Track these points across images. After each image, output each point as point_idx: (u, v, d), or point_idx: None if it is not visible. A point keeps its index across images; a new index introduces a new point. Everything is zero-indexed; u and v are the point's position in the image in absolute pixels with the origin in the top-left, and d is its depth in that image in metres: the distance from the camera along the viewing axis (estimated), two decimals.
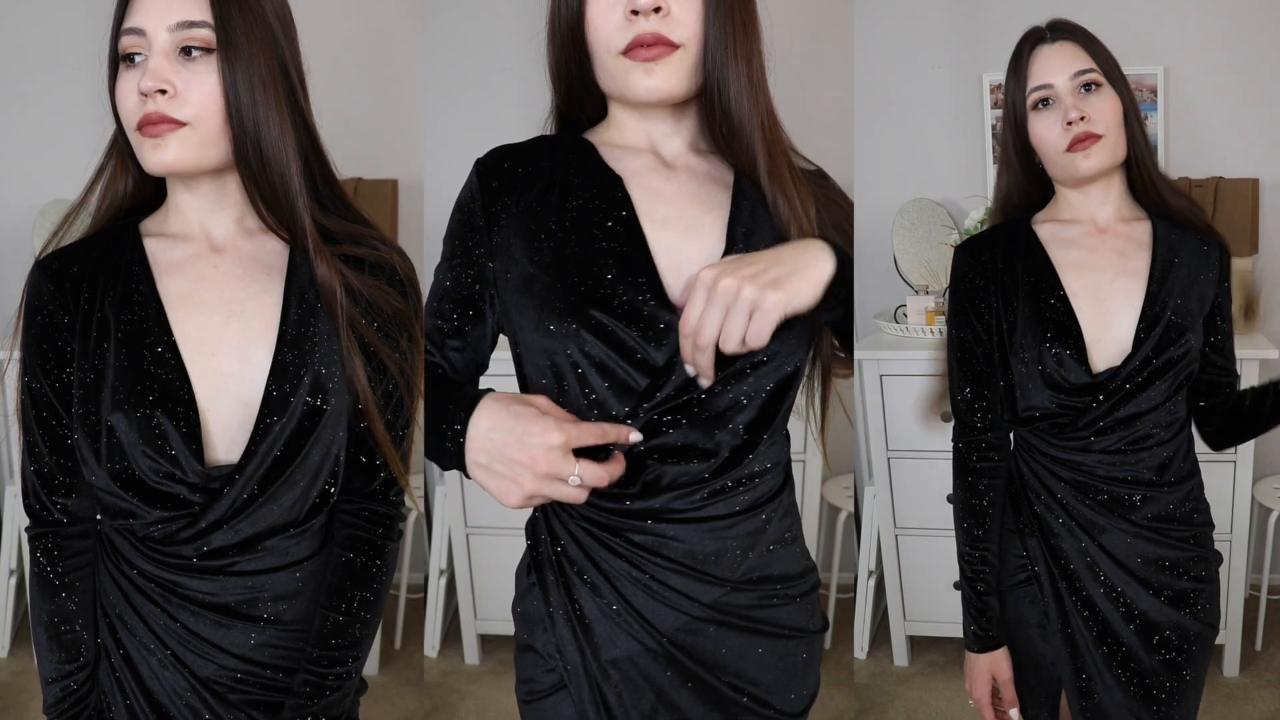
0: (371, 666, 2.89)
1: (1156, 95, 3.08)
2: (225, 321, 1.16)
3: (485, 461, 1.01)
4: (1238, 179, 2.99)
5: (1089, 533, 1.48)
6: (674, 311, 1.09)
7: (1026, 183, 1.55)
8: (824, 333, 1.18)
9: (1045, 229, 1.52)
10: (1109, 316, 1.46)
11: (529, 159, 1.17)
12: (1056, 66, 1.45)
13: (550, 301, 1.09)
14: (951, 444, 1.55)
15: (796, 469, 2.82)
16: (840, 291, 1.07)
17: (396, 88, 3.09)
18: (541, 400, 1.03)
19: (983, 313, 1.49)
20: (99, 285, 1.16)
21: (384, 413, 1.20)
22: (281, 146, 1.13)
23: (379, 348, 1.18)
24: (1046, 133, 1.46)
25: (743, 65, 1.10)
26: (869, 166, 3.17)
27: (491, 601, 2.97)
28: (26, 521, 1.20)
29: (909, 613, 2.97)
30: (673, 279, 1.11)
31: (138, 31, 1.11)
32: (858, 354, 2.66)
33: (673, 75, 1.09)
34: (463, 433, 1.02)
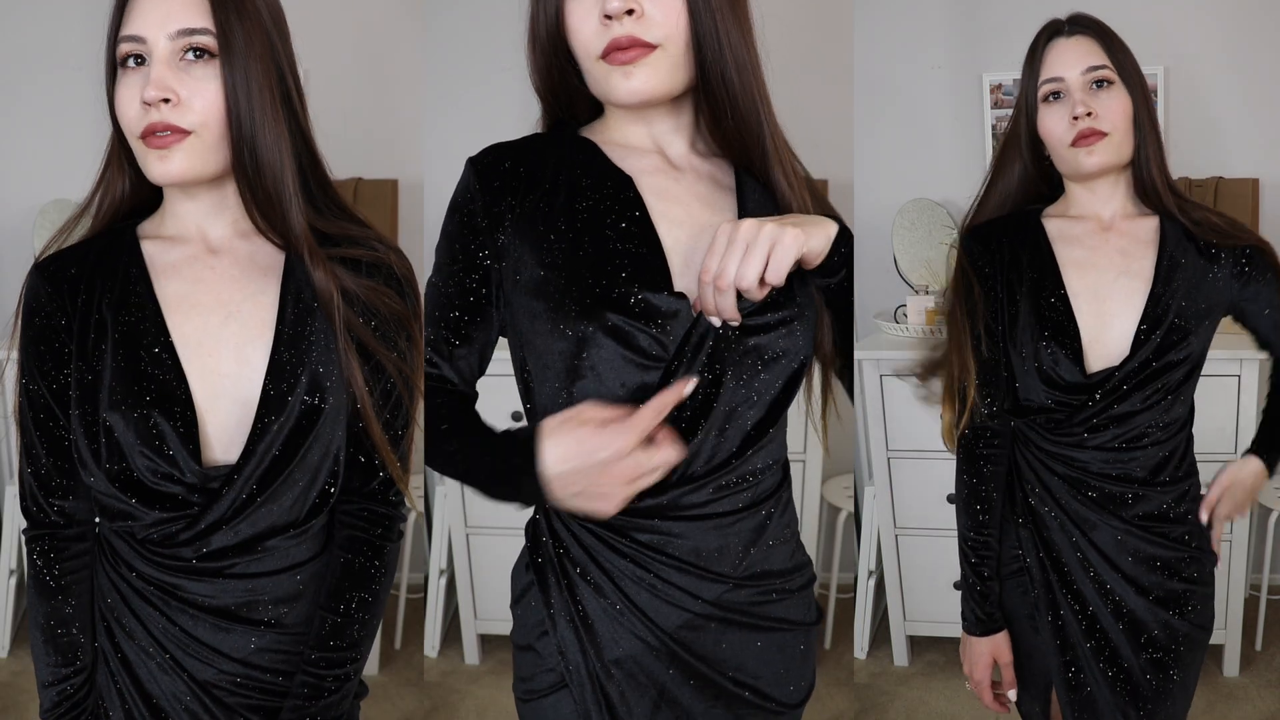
0: (371, 666, 2.89)
1: (1157, 95, 3.08)
2: (222, 322, 1.16)
3: (573, 493, 1.04)
4: (1238, 179, 2.99)
5: (1080, 528, 1.48)
6: (690, 312, 1.09)
7: (1036, 175, 1.54)
8: (824, 331, 1.18)
9: (1053, 224, 1.52)
10: (1108, 316, 1.46)
11: (529, 157, 1.16)
12: (1070, 60, 1.45)
13: (564, 304, 1.08)
14: (956, 432, 1.55)
15: (796, 468, 2.82)
16: (843, 250, 1.10)
17: (396, 88, 3.09)
18: (589, 411, 1.04)
19: (989, 301, 1.49)
20: (96, 287, 1.16)
21: (382, 413, 1.19)
22: (276, 151, 1.12)
23: (376, 349, 1.18)
24: (1053, 126, 1.46)
25: (741, 51, 1.10)
26: (869, 166, 3.16)
27: (491, 601, 2.97)
28: (25, 523, 1.20)
29: (909, 613, 2.97)
30: (688, 280, 1.11)
31: (137, 39, 1.10)
32: (858, 354, 2.65)
33: (653, 76, 1.08)
34: (534, 479, 1.03)
